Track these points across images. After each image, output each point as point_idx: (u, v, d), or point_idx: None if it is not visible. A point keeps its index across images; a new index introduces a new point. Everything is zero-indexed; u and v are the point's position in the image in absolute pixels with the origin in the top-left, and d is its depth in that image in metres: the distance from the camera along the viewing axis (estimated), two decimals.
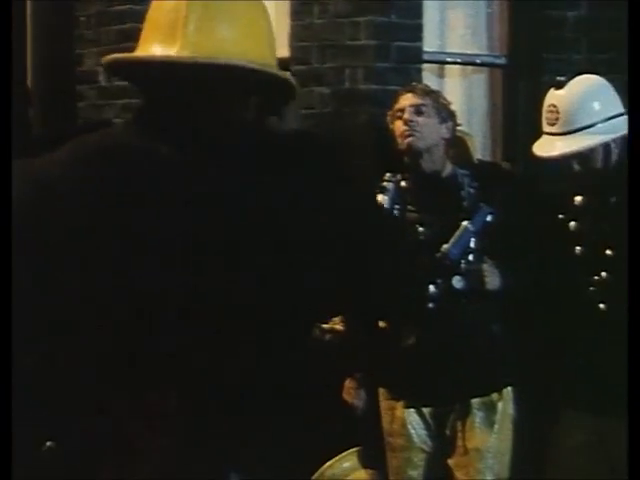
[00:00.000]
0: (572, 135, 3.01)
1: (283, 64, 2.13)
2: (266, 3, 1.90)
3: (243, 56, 1.77)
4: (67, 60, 4.92)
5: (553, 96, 3.07)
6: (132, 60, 1.80)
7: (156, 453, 1.70)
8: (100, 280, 1.71)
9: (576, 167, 3.04)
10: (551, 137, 3.05)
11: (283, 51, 4.53)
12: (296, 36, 4.61)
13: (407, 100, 3.25)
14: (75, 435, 1.73)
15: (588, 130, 3.01)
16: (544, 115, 3.08)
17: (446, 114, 3.27)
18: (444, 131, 3.26)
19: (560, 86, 3.06)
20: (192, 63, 1.75)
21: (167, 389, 1.71)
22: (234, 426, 1.74)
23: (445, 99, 3.33)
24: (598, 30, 5.06)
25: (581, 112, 3.02)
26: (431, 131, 3.22)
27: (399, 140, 3.24)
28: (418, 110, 3.22)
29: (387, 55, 4.46)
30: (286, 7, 4.68)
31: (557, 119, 3.02)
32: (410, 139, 3.21)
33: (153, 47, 1.77)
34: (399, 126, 3.24)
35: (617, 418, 3.05)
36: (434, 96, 3.28)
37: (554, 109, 3.04)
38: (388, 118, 3.30)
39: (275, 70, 1.83)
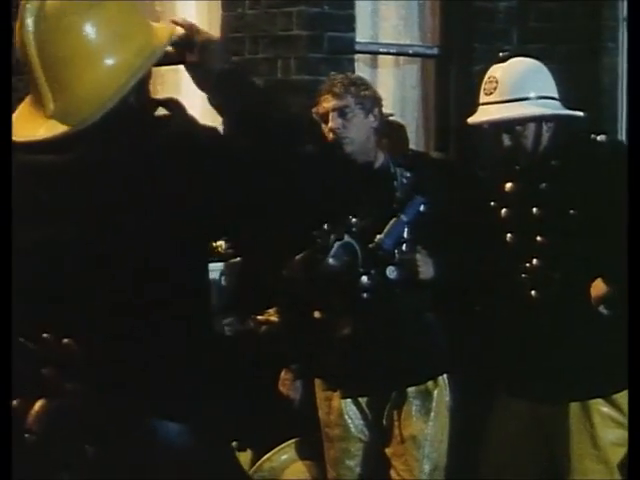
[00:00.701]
0: (507, 104, 3.06)
1: None
2: None
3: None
4: None
5: (494, 69, 3.13)
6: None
7: (65, 396, 1.83)
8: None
9: (507, 142, 3.07)
10: (487, 106, 3.10)
11: None
12: (228, 27, 4.58)
13: (328, 103, 3.16)
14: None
15: (523, 102, 3.06)
16: (483, 87, 3.12)
17: (370, 103, 3.20)
18: (372, 120, 3.21)
19: (502, 60, 3.12)
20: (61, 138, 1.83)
21: (75, 338, 1.82)
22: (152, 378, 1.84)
23: (367, 87, 3.24)
24: (528, 21, 5.12)
25: (518, 84, 3.07)
26: (359, 129, 3.17)
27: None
28: (342, 113, 3.15)
29: (319, 46, 4.46)
30: None
31: (495, 88, 3.07)
32: (340, 146, 3.16)
33: (31, 111, 1.89)
34: (326, 131, 3.16)
35: (552, 404, 3.09)
36: (354, 90, 3.17)
37: (493, 79, 3.09)
38: (315, 117, 3.23)
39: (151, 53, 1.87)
